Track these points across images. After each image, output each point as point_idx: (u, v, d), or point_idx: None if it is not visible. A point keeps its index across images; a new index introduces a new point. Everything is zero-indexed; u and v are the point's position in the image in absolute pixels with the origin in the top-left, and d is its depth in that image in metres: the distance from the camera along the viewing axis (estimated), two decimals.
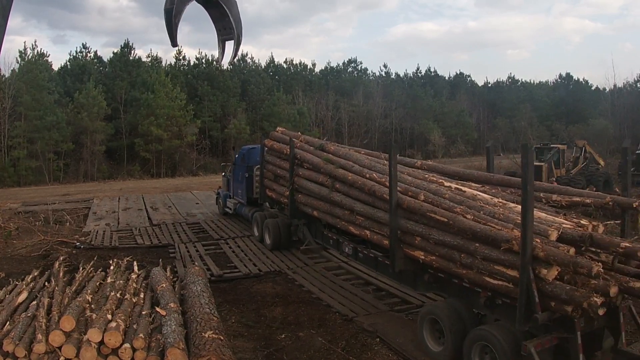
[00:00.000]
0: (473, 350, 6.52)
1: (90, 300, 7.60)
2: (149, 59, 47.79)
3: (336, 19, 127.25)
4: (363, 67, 63.06)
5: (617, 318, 6.26)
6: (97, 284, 8.63)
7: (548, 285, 5.79)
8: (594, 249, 6.18)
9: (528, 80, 72.05)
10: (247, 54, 58.90)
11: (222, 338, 6.58)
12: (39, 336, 6.37)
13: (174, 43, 8.57)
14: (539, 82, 73.38)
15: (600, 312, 5.46)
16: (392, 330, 8.12)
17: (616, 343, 6.38)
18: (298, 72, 56.49)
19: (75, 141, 37.46)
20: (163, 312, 7.19)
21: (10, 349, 6.25)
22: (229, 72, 48.06)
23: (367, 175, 8.84)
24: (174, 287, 9.00)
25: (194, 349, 6.29)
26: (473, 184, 8.44)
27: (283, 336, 8.05)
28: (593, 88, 69.75)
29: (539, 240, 5.85)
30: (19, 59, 37.07)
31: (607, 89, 63.05)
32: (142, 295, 8.15)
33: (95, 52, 51.37)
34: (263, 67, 55.36)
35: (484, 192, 7.90)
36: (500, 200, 7.40)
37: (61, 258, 11.64)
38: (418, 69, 66.49)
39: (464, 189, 7.79)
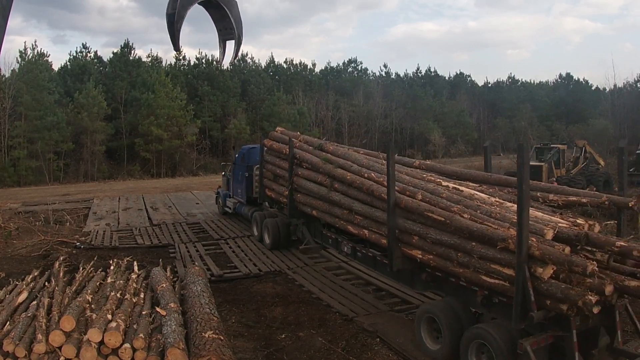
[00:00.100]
0: (470, 349, 6.57)
1: (90, 300, 7.60)
2: (149, 59, 47.83)
3: (336, 19, 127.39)
4: (363, 67, 63.18)
5: (613, 317, 6.30)
6: (97, 284, 8.63)
7: (544, 284, 5.83)
8: (589, 248, 6.22)
9: (528, 80, 72.18)
10: (247, 54, 58.96)
11: (222, 338, 6.59)
12: (39, 336, 6.37)
13: (177, 47, 8.63)
14: (539, 82, 73.52)
15: (595, 310, 5.51)
16: (392, 330, 8.12)
17: (612, 341, 6.42)
18: (298, 72, 56.48)
19: (75, 141, 37.46)
20: (163, 312, 7.19)
21: (11, 349, 6.26)
22: (229, 72, 48.06)
23: (366, 175, 8.87)
24: (174, 287, 9.00)
25: (194, 349, 6.29)
26: (470, 184, 8.47)
27: (283, 336, 8.05)
28: (593, 88, 69.80)
29: (534, 239, 5.89)
30: (19, 59, 37.11)
31: (607, 89, 63.17)
32: (142, 295, 8.16)
33: (96, 52, 51.54)
34: (263, 67, 55.43)
35: (482, 191, 7.93)
36: (497, 199, 7.44)
37: (61, 258, 11.64)
38: (418, 69, 66.62)
39: (461, 188, 7.84)
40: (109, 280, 8.76)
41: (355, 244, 9.82)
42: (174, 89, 40.92)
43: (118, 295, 7.81)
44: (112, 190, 28.75)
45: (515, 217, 6.04)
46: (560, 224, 6.31)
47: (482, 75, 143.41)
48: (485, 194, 7.78)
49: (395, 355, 7.40)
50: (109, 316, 6.76)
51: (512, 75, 71.79)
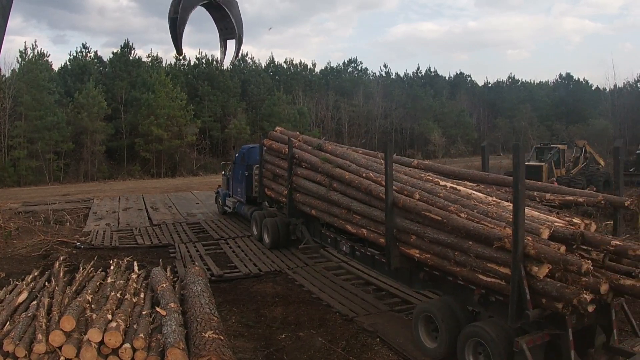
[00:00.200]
0: (467, 347, 6.60)
1: (90, 300, 7.60)
2: (149, 59, 47.90)
3: (336, 19, 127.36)
4: (363, 67, 63.21)
5: (609, 315, 6.35)
6: (98, 284, 8.63)
7: (539, 283, 5.86)
8: (585, 247, 6.25)
9: (528, 80, 72.16)
10: (247, 54, 58.87)
11: (222, 338, 6.59)
12: (39, 336, 6.37)
13: (179, 51, 8.66)
14: (539, 82, 73.51)
15: (590, 308, 5.54)
16: (392, 330, 8.12)
17: (608, 340, 6.47)
18: (298, 72, 56.49)
19: (75, 141, 37.47)
20: (163, 312, 7.19)
21: (11, 349, 6.25)
22: (229, 72, 48.06)
23: (364, 175, 8.91)
24: (174, 287, 9.00)
25: (194, 349, 6.29)
26: (468, 183, 8.51)
27: (283, 336, 8.06)
28: (593, 88, 69.79)
29: (530, 238, 5.93)
30: (19, 59, 37.13)
31: (607, 89, 63.15)
32: (142, 295, 8.16)
33: (96, 52, 51.47)
34: (263, 67, 55.45)
35: (479, 191, 7.96)
36: (494, 199, 7.49)
37: (61, 258, 11.64)
38: (418, 69, 66.64)
39: (459, 188, 7.88)
40: (109, 280, 8.76)
41: (353, 243, 9.85)
42: (174, 89, 40.94)
43: (118, 295, 7.81)
44: (112, 190, 28.76)
45: (512, 217, 6.07)
46: (556, 224, 6.35)
47: (482, 75, 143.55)
48: (483, 193, 7.82)
49: (395, 355, 7.40)
50: (109, 316, 6.76)
51: (512, 75, 71.90)
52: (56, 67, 43.91)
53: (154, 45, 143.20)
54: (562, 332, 5.98)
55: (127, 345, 6.26)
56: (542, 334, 6.07)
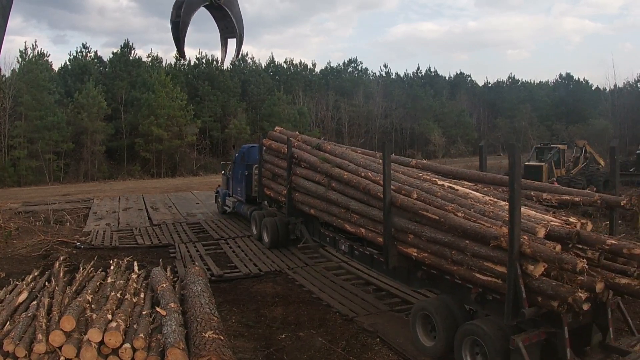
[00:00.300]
0: (464, 345, 6.64)
1: (90, 300, 7.60)
2: (149, 59, 47.94)
3: (336, 19, 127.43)
4: (363, 67, 63.23)
5: (605, 314, 6.38)
6: (98, 284, 8.63)
7: (535, 281, 5.90)
8: (581, 246, 6.28)
9: (528, 80, 72.18)
10: (247, 54, 58.88)
11: (222, 338, 6.59)
12: (39, 336, 6.37)
13: (182, 54, 8.67)
14: (539, 82, 73.50)
15: (585, 307, 5.59)
16: (393, 330, 8.12)
17: (604, 338, 6.50)
18: (298, 72, 56.51)
19: (75, 141, 37.48)
20: (163, 312, 7.19)
21: (11, 349, 6.25)
22: (229, 72, 48.09)
23: (362, 174, 8.94)
24: (174, 287, 9.00)
25: (194, 349, 6.29)
26: (466, 183, 8.54)
27: (283, 336, 8.05)
28: (593, 88, 69.84)
29: (526, 237, 5.97)
30: (20, 59, 37.18)
31: (607, 89, 63.31)
32: (142, 295, 8.15)
33: (96, 52, 51.52)
34: (263, 67, 55.46)
35: (477, 190, 7.99)
36: (492, 198, 7.51)
37: (61, 258, 11.63)
38: (418, 69, 66.66)
39: (456, 187, 7.91)
40: (109, 280, 8.76)
41: (352, 242, 9.87)
42: (174, 89, 40.94)
43: (118, 295, 7.81)
44: (112, 190, 28.76)
45: (508, 216, 6.10)
46: (552, 223, 6.39)
47: (482, 75, 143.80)
48: (480, 193, 7.85)
49: (395, 355, 7.41)
50: (109, 316, 6.76)
51: (512, 75, 71.99)
52: (56, 67, 44.12)
53: (154, 45, 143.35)
54: (558, 331, 6.02)
55: (127, 345, 6.26)
56: (538, 332, 6.12)
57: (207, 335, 6.49)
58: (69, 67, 44.51)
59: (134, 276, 9.13)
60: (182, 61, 48.53)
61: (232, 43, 9.46)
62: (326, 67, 60.99)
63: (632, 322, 6.86)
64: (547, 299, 5.81)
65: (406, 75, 65.20)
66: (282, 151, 12.34)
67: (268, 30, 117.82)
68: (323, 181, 10.23)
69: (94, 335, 6.24)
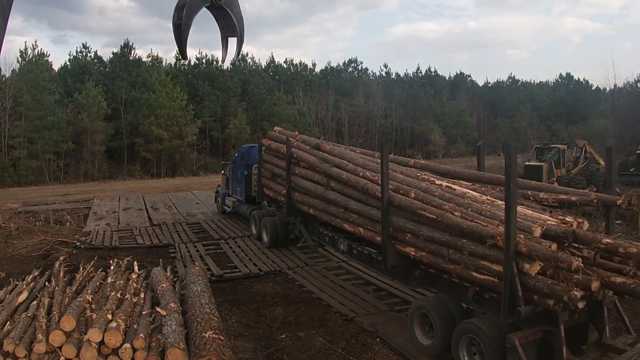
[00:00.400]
0: (461, 343, 6.68)
1: (90, 300, 7.60)
2: (149, 59, 47.91)
3: (336, 19, 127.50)
4: (363, 67, 63.22)
5: (601, 312, 6.42)
6: (98, 284, 8.63)
7: (531, 280, 5.93)
8: (577, 245, 6.30)
9: (528, 80, 72.26)
10: (247, 54, 58.87)
11: (222, 338, 6.59)
12: (39, 336, 6.37)
13: (184, 56, 8.70)
14: (539, 82, 73.58)
15: (580, 305, 5.61)
16: (393, 330, 8.12)
17: (600, 337, 6.53)
18: (298, 72, 56.50)
19: (75, 141, 37.47)
20: (163, 312, 7.19)
21: (11, 349, 6.26)
22: (230, 72, 48.09)
23: (361, 174, 8.96)
24: (174, 287, 9.00)
25: (194, 349, 6.30)
26: (464, 182, 8.57)
27: (283, 336, 8.06)
28: (593, 88, 69.87)
29: (522, 236, 5.99)
30: (20, 59, 37.15)
31: (607, 89, 63.29)
32: (142, 295, 8.16)
33: (96, 52, 51.60)
34: (263, 67, 55.44)
35: (474, 190, 8.01)
36: (489, 197, 7.54)
37: (61, 258, 11.64)
38: (418, 69, 66.66)
39: (454, 187, 7.93)
40: (109, 280, 8.76)
41: (351, 241, 9.89)
42: (174, 89, 40.93)
43: (118, 295, 7.81)
44: (112, 190, 28.75)
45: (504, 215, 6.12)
46: (548, 222, 6.42)
47: (482, 75, 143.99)
48: (478, 192, 7.88)
49: (395, 355, 7.41)
50: (109, 316, 6.76)
51: (512, 75, 72.07)
52: (56, 67, 44.07)
53: (154, 45, 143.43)
54: (554, 329, 6.05)
55: (127, 345, 6.26)
56: (534, 330, 6.15)
57: (207, 335, 6.49)
58: (69, 67, 44.50)
59: (134, 276, 9.13)
60: (182, 61, 48.67)
61: (232, 42, 9.47)
62: (326, 67, 61.09)
63: (630, 322, 6.86)
64: (543, 298, 5.84)
65: (406, 75, 65.32)
66: (281, 151, 12.37)
67: (268, 30, 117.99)
68: (322, 181, 10.26)
69: (94, 335, 6.25)
